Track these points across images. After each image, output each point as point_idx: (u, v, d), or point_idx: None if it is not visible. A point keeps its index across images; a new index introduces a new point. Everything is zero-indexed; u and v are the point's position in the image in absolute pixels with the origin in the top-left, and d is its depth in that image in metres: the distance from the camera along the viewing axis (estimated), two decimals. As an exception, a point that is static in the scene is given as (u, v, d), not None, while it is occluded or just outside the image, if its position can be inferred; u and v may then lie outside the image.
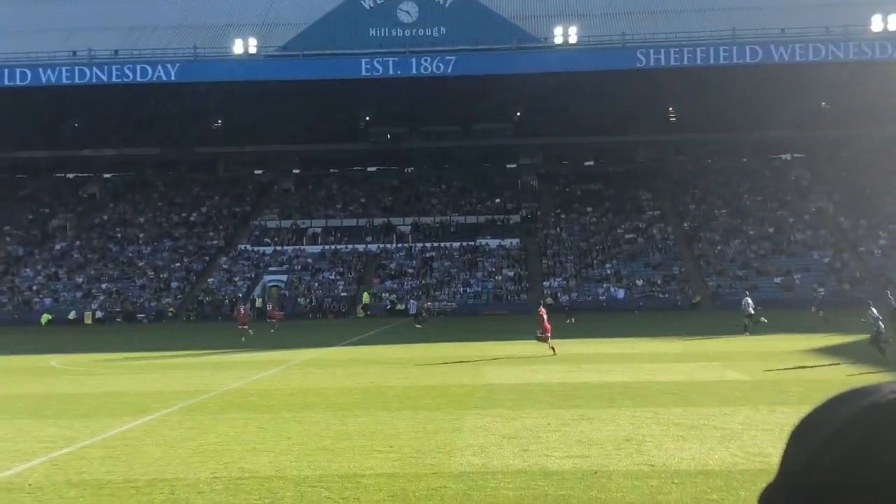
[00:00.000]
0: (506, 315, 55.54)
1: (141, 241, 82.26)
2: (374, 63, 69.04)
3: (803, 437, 1.12)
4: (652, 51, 68.72)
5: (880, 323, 28.60)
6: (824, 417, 1.11)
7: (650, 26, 72.78)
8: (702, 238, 78.06)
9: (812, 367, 25.65)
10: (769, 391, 20.13)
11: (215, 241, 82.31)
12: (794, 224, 79.21)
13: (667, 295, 68.71)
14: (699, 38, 69.75)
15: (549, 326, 30.36)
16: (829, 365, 25.95)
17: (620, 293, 68.45)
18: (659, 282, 71.28)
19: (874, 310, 29.14)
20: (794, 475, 1.08)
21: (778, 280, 69.16)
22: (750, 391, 20.30)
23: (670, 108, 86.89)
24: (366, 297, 70.30)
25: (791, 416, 16.34)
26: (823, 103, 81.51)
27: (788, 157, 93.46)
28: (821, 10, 71.69)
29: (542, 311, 31.38)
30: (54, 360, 35.05)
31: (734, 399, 19.03)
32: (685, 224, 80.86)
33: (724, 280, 70.83)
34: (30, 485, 12.08)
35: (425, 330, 48.37)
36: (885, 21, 67.12)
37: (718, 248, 76.02)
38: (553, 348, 29.96)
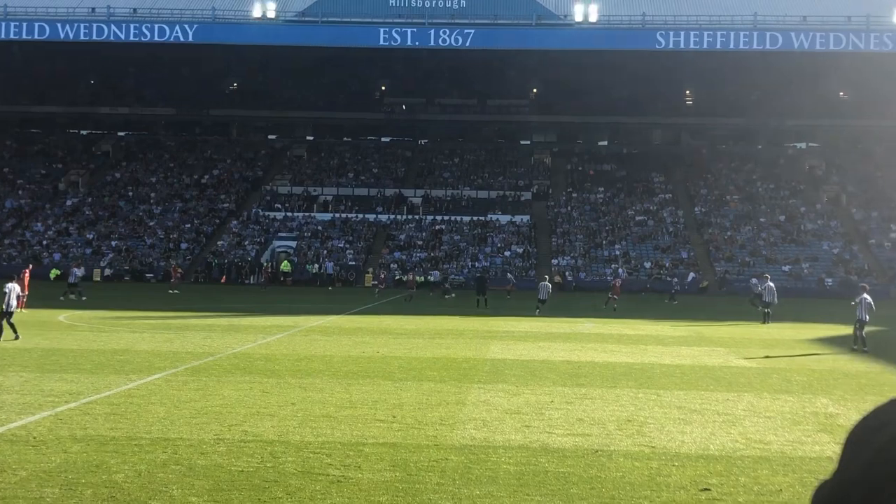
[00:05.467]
0: (512, 290, 55.72)
1: (152, 201, 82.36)
2: (393, 33, 68.79)
3: (866, 436, 1.07)
4: (672, 33, 68.35)
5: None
6: (888, 417, 1.07)
7: (671, 8, 72.30)
8: (712, 223, 77.87)
9: (818, 356, 25.66)
10: (773, 379, 20.14)
11: (226, 205, 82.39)
12: (806, 213, 78.97)
13: (675, 279, 68.69)
14: (720, 22, 69.36)
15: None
16: (835, 355, 25.94)
17: (690, 276, 68.44)
18: (667, 265, 71.19)
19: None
20: (857, 472, 1.05)
21: (786, 269, 69.04)
22: (754, 378, 20.31)
23: (687, 92, 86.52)
24: (285, 266, 69.96)
25: (795, 405, 16.36)
26: (842, 93, 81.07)
27: (803, 146, 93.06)
28: (844, -2, 71.23)
29: None
30: (63, 316, 35.24)
31: (738, 385, 19.04)
32: (696, 208, 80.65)
33: (733, 266, 70.71)
34: (34, 438, 12.18)
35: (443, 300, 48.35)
36: (907, 12, 66.66)
37: (728, 233, 75.85)
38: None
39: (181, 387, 17.10)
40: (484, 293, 46.79)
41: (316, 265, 71.29)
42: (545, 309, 41.17)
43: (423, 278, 64.93)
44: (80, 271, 49.31)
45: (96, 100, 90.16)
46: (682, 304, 51.87)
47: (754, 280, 50.52)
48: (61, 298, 44.51)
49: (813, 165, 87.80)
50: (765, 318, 38.34)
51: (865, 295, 28.26)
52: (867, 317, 27.65)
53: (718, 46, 68.08)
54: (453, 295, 55.34)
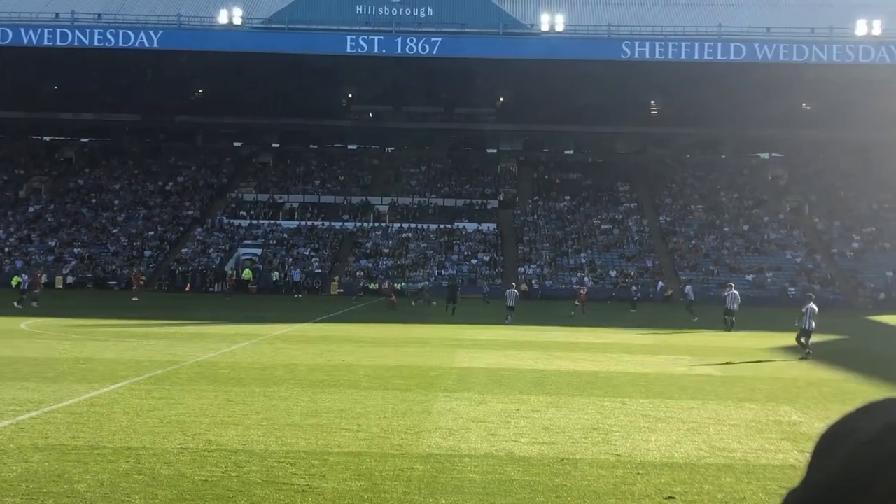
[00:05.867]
0: (480, 298, 55.96)
1: (115, 208, 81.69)
2: (360, 40, 68.69)
3: (836, 443, 1.08)
4: (637, 43, 68.76)
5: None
6: (858, 424, 1.07)
7: (637, 18, 72.80)
8: (677, 232, 78.39)
9: (781, 365, 25.87)
10: (737, 387, 20.27)
11: (191, 212, 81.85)
12: (769, 223, 79.68)
13: (634, 287, 69.08)
14: (684, 33, 69.90)
15: None
16: (798, 363, 26.15)
17: (660, 285, 69.00)
18: (632, 274, 71.53)
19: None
20: (826, 479, 1.06)
21: (750, 278, 69.60)
22: (718, 386, 20.44)
23: (652, 101, 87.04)
24: (246, 273, 69.50)
25: (759, 413, 16.48)
26: (804, 104, 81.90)
27: (766, 156, 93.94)
28: (807, 11, 72.02)
29: None
30: (24, 324, 34.83)
31: (702, 393, 19.15)
32: (661, 218, 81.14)
33: (697, 275, 71.18)
34: (-5, 447, 12.02)
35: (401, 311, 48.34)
36: (869, 25, 67.46)
37: (693, 242, 76.38)
38: None
39: (144, 395, 16.94)
40: (455, 301, 46.99)
41: (276, 272, 70.91)
42: (514, 315, 41.63)
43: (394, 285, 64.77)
44: (27, 277, 49.09)
45: (59, 105, 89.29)
46: (649, 312, 52.05)
47: (688, 288, 52.25)
48: (18, 306, 44.08)
49: (776, 175, 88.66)
50: (729, 326, 38.72)
51: (812, 304, 28.46)
52: (814, 324, 27.82)
53: (683, 57, 68.56)
54: (434, 304, 55.11)
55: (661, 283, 69.34)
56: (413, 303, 56.11)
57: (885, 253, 74.15)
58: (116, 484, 10.26)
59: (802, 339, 27.69)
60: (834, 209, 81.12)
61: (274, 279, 70.05)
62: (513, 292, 44.10)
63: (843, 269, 72.25)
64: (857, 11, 68.80)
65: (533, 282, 69.94)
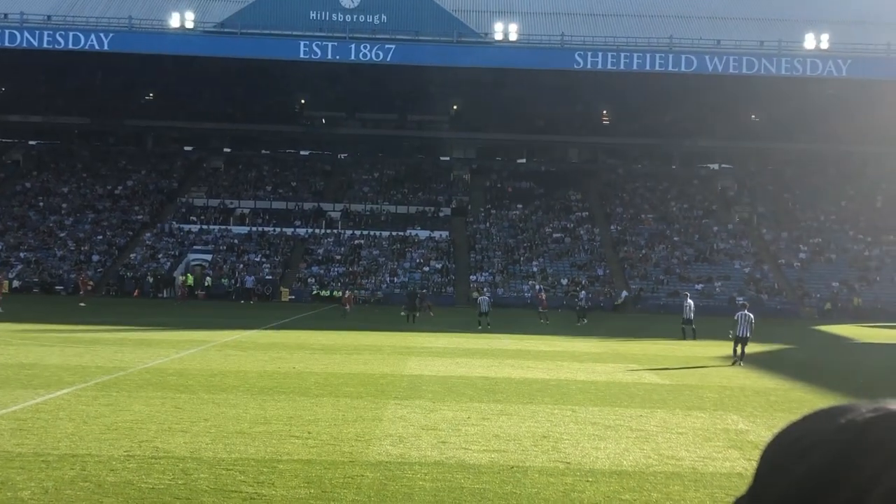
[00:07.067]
0: (432, 306, 55.80)
1: (63, 212, 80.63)
2: (313, 46, 68.49)
3: (780, 451, 1.09)
4: (589, 53, 69.27)
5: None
6: (802, 433, 1.08)
7: (589, 29, 73.40)
8: (627, 241, 78.99)
9: (728, 373, 26.13)
10: (685, 395, 20.45)
11: (140, 217, 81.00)
12: (718, 233, 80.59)
13: (582, 293, 69.43)
14: (636, 44, 70.54)
15: None
16: (746, 372, 26.44)
17: (623, 293, 69.19)
18: (583, 282, 71.92)
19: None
20: (769, 487, 1.06)
21: (699, 287, 70.30)
22: (666, 394, 20.60)
23: (604, 111, 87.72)
24: (189, 279, 68.87)
25: (706, 422, 16.64)
26: (753, 116, 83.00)
27: (716, 166, 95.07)
28: (756, 24, 73.04)
29: None
30: (-33, 329, 34.23)
31: (651, 401, 19.28)
32: (612, 227, 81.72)
33: (647, 284, 71.81)
34: (-64, 454, 11.79)
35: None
36: (817, 39, 68.60)
37: (643, 252, 77.01)
38: None
39: (91, 402, 16.71)
40: (414, 309, 46.94)
41: (209, 277, 70.26)
42: (487, 320, 42.93)
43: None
44: None
45: (7, 107, 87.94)
46: (600, 320, 52.34)
47: (583, 294, 55.56)
48: None
49: (725, 186, 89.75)
50: (693, 335, 39.23)
51: (746, 311, 29.03)
52: (748, 332, 28.29)
53: (635, 67, 69.20)
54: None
55: (624, 293, 69.51)
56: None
57: (831, 264, 75.35)
58: (61, 491, 10.11)
59: (737, 348, 28.26)
60: (781, 220, 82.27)
61: (206, 284, 69.30)
62: (485, 298, 45.63)
63: (790, 280, 73.27)
64: (806, 26, 69.95)
65: (485, 289, 70.02)
